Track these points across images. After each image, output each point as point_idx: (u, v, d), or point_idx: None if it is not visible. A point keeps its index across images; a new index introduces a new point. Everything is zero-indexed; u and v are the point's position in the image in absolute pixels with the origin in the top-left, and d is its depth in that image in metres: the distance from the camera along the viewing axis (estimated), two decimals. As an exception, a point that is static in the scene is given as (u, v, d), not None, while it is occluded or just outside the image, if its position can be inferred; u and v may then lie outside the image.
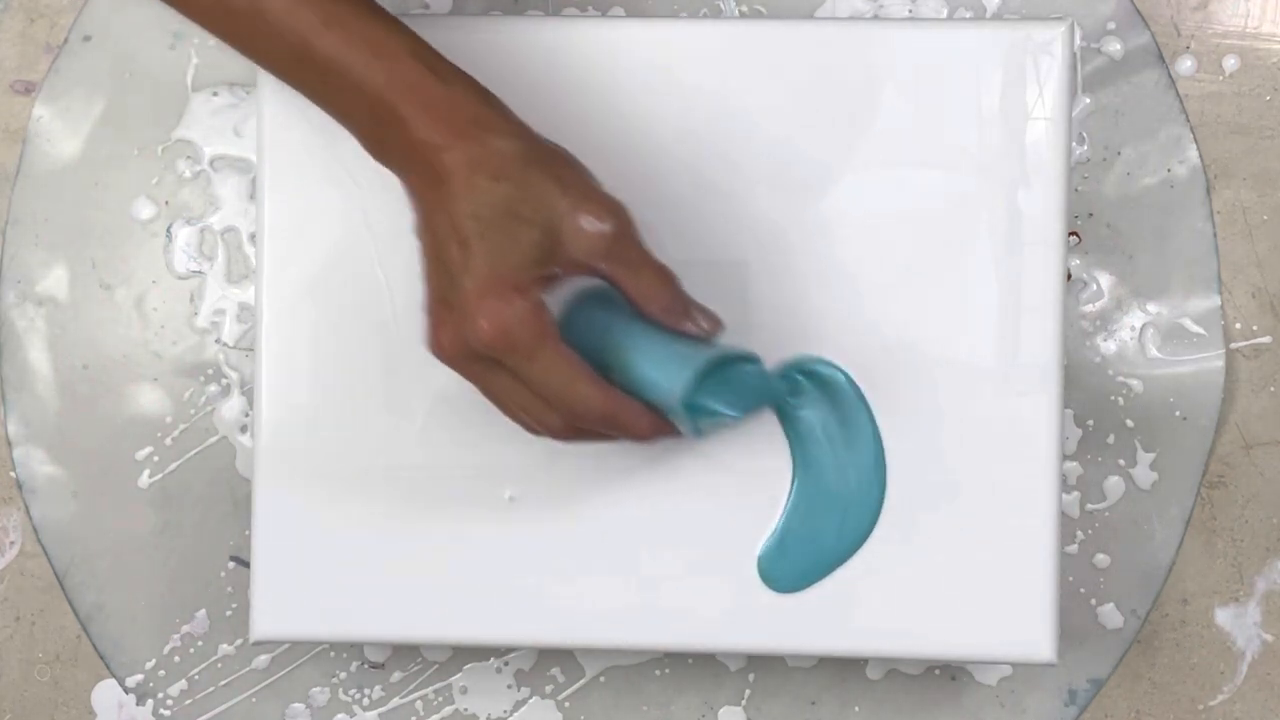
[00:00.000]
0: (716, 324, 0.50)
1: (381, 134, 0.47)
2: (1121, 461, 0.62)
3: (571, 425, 0.48)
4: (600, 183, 0.48)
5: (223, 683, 0.64)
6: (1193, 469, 0.62)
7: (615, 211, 0.47)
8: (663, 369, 0.49)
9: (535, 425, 0.49)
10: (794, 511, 0.55)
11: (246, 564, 0.63)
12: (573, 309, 0.50)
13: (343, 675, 0.64)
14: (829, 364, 0.55)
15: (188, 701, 0.64)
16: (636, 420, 0.49)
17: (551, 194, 0.46)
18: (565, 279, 0.47)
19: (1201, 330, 0.62)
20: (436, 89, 0.46)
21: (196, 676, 0.64)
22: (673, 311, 0.49)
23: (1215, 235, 0.62)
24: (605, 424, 0.48)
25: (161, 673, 0.64)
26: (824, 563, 0.55)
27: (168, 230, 0.64)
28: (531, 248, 0.45)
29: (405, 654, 0.64)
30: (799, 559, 0.55)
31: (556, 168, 0.47)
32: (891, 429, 0.55)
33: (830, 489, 0.55)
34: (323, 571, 0.56)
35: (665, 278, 0.49)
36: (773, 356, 0.54)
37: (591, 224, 0.46)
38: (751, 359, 0.52)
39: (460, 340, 0.46)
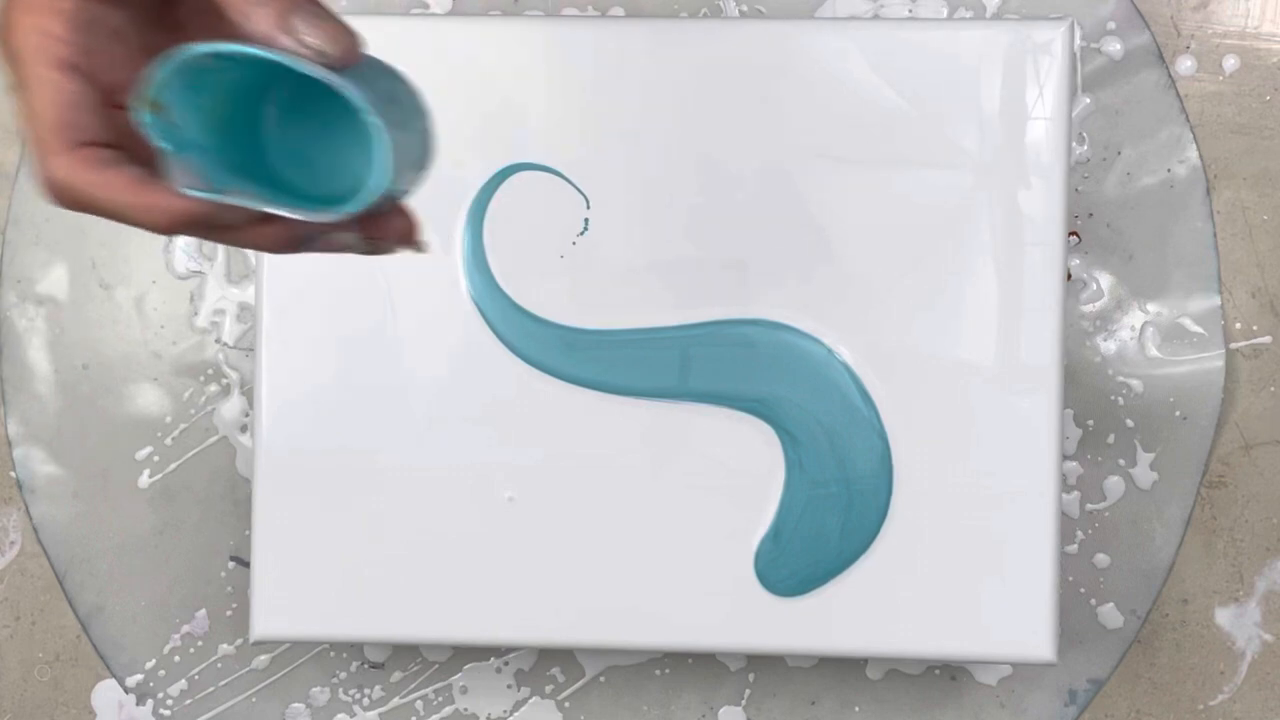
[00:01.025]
0: (340, 44, 0.34)
1: None
2: (1121, 461, 0.62)
3: None
4: None
5: (223, 683, 0.64)
6: (1193, 469, 0.62)
7: None
8: None
9: None
10: (787, 510, 0.55)
11: (246, 564, 0.63)
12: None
13: (343, 675, 0.64)
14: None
15: (188, 701, 0.64)
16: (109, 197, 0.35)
17: None
18: None
19: (1201, 330, 0.62)
20: None
21: (196, 676, 0.64)
22: (252, 14, 0.34)
23: (1215, 235, 0.62)
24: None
25: (161, 673, 0.64)
26: (827, 565, 0.55)
27: (168, 230, 0.64)
28: None
29: (405, 654, 0.64)
30: (799, 561, 0.54)
31: None
32: (891, 428, 0.55)
33: (829, 488, 0.55)
34: (323, 571, 0.56)
35: None
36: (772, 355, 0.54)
37: None
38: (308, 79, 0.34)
39: None
